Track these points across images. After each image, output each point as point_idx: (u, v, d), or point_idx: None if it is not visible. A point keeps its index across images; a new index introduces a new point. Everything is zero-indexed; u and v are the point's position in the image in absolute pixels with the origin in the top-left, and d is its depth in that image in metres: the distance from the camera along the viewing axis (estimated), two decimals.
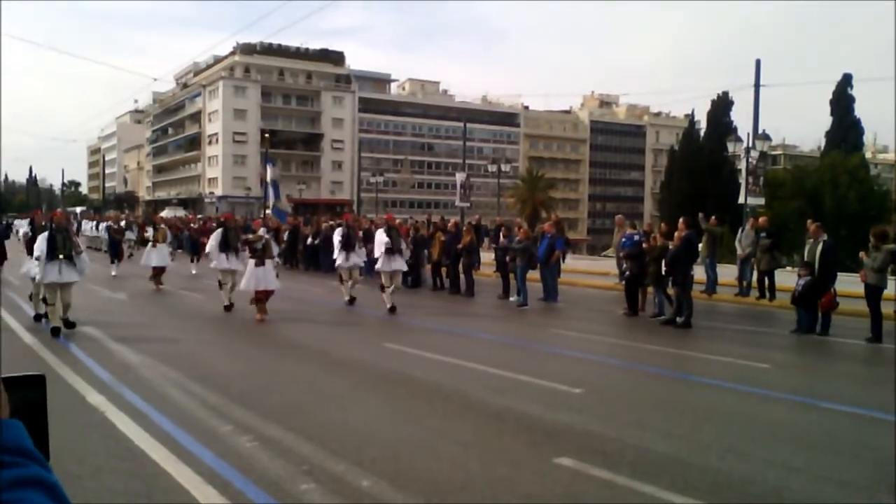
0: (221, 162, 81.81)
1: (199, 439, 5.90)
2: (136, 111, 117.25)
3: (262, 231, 13.81)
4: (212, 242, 14.72)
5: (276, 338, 11.73)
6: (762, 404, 7.85)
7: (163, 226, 20.81)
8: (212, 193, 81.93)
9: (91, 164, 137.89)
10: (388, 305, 14.54)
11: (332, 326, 12.33)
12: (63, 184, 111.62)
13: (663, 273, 13.78)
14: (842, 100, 58.88)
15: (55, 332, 11.03)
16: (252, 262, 13.34)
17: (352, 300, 15.67)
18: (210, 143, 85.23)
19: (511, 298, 17.12)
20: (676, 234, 13.88)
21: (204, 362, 9.42)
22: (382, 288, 14.92)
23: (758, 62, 23.06)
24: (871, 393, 8.79)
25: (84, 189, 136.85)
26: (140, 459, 5.45)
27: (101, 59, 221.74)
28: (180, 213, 62.50)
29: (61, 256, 11.09)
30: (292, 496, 4.75)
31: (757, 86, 22.91)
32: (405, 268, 15.84)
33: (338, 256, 15.89)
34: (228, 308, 14.30)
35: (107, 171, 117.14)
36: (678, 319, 13.37)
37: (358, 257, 16.07)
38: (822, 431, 6.75)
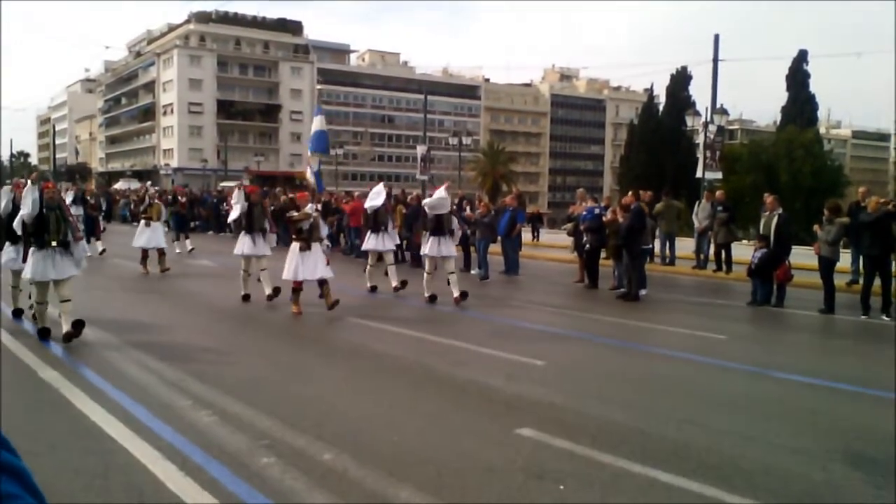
0: (177, 133, 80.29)
1: (157, 415, 5.81)
2: (88, 80, 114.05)
3: (309, 208, 11.25)
4: (233, 216, 12.83)
5: (235, 312, 11.58)
6: (719, 375, 8.00)
7: (157, 201, 17.96)
8: (167, 165, 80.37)
9: (41, 135, 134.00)
10: (455, 294, 12.33)
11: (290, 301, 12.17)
12: (11, 154, 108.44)
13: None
14: (797, 76, 59.75)
15: (43, 333, 8.79)
16: (296, 245, 11.05)
17: (403, 283, 13.55)
18: (165, 113, 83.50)
19: (473, 271, 17.15)
20: (617, 208, 14.26)
21: (162, 337, 9.25)
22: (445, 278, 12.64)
23: (716, 37, 23.26)
24: (824, 363, 9.02)
25: (34, 160, 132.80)
26: (96, 436, 5.34)
27: (50, 26, 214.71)
28: (135, 185, 61.16)
29: (54, 244, 8.54)
30: (252, 471, 4.69)
31: (715, 61, 23.10)
32: (454, 252, 13.28)
33: (366, 238, 14.04)
34: (247, 298, 12.21)
35: (57, 142, 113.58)
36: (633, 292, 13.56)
37: (390, 239, 14.09)
38: (777, 401, 6.90)
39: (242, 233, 12.51)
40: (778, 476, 4.87)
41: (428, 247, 12.62)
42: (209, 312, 11.58)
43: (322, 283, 11.09)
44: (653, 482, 4.67)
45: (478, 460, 4.99)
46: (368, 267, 13.96)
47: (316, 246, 11.11)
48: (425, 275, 12.65)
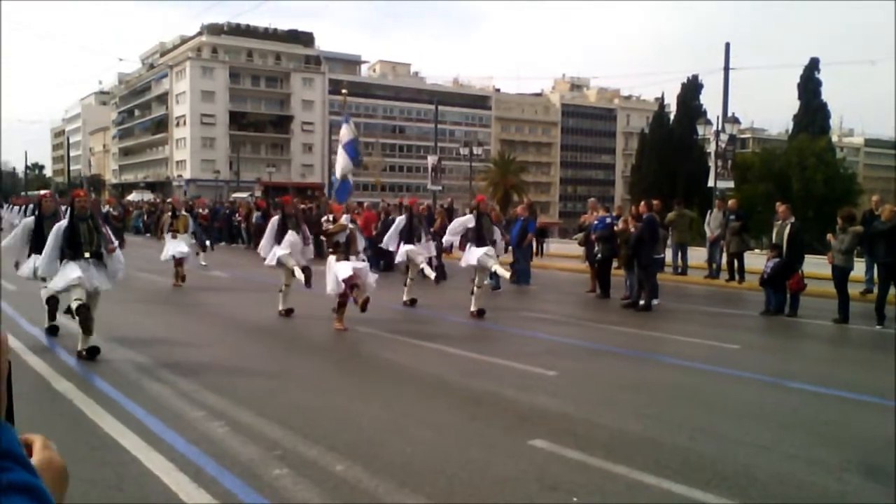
0: (189, 144, 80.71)
1: (170, 426, 5.83)
2: (101, 92, 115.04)
3: (345, 219, 10.82)
4: (267, 235, 12.26)
5: (246, 322, 11.60)
6: (732, 384, 7.96)
7: (184, 212, 17.70)
8: (180, 176, 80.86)
9: (55, 147, 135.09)
10: (472, 308, 12.31)
11: (302, 310, 12.21)
12: (26, 166, 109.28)
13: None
14: (809, 84, 59.54)
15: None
16: (332, 258, 10.71)
17: (412, 301, 13.49)
18: (178, 125, 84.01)
19: (484, 282, 17.13)
20: (629, 217, 14.17)
21: (175, 349, 9.29)
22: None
23: (727, 45, 23.21)
24: (838, 373, 8.94)
25: (48, 172, 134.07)
26: (110, 447, 5.37)
27: (64, 39, 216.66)
28: (148, 196, 61.59)
29: (87, 255, 8.21)
30: (265, 481, 4.70)
31: (726, 69, 23.05)
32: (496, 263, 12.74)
33: (397, 248, 13.78)
34: (288, 313, 11.96)
35: (71, 154, 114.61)
36: (641, 302, 13.49)
37: (425, 251, 14.00)
38: (791, 411, 6.85)
39: (274, 243, 12.10)
40: (793, 486, 4.84)
41: (468, 256, 12.42)
42: (222, 324, 11.61)
43: (355, 285, 10.46)
44: (667, 493, 4.64)
45: (490, 471, 4.98)
46: (408, 280, 13.70)
47: (354, 260, 10.73)
48: (475, 289, 12.36)
